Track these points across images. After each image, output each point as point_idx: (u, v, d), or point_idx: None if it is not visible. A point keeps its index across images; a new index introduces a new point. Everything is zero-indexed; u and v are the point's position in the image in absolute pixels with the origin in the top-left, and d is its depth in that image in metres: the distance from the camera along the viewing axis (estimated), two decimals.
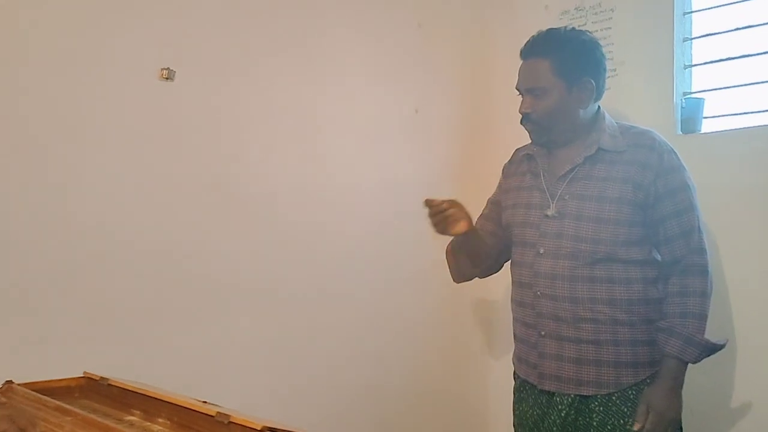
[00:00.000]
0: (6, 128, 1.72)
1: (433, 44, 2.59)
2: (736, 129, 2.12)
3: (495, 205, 2.01)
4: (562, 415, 1.72)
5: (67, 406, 1.32)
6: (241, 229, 2.10)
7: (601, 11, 2.41)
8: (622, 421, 1.68)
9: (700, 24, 2.23)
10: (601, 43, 1.89)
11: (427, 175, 2.56)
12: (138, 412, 1.41)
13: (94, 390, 1.56)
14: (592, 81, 1.75)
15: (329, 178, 2.30)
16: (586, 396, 1.71)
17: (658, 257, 1.74)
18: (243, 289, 2.09)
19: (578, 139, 1.77)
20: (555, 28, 1.83)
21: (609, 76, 1.85)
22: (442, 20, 2.63)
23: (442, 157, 2.62)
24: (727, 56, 2.14)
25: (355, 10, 2.38)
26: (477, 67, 2.73)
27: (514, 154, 2.00)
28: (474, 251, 1.92)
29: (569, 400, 1.72)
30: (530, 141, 1.86)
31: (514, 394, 1.91)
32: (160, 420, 1.36)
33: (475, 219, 1.87)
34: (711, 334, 1.68)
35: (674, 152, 1.73)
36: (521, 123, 1.81)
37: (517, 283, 1.84)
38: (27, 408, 1.27)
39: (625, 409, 1.69)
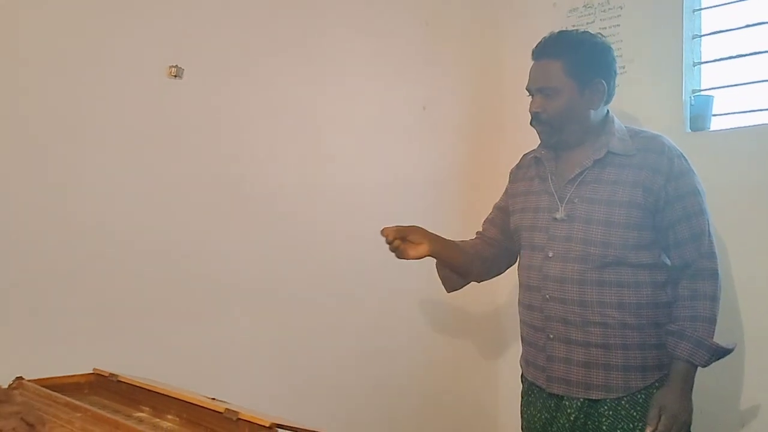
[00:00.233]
0: (10, 127, 1.73)
1: (440, 42, 2.59)
2: (745, 126, 2.11)
3: (500, 210, 2.01)
4: (571, 419, 1.72)
5: (77, 402, 1.33)
6: (245, 228, 2.11)
7: (609, 8, 2.40)
8: (631, 426, 1.67)
9: (709, 21, 2.22)
10: (610, 40, 1.89)
11: (433, 174, 2.56)
12: (147, 408, 1.42)
13: (104, 386, 1.57)
14: (604, 83, 1.75)
15: (334, 176, 2.30)
16: (595, 400, 1.70)
17: (667, 261, 1.73)
18: (247, 289, 2.10)
19: (587, 141, 1.77)
20: (567, 30, 1.84)
21: (618, 74, 1.85)
22: (449, 18, 2.63)
23: (449, 156, 2.62)
24: (737, 53, 2.13)
25: (362, 9, 2.38)
26: (484, 64, 2.72)
27: (522, 158, 1.99)
28: (453, 266, 1.97)
29: (578, 404, 1.72)
30: (539, 142, 1.86)
31: (522, 397, 1.91)
32: (169, 416, 1.37)
33: (448, 235, 1.94)
34: (719, 335, 1.67)
35: (684, 157, 1.73)
36: (531, 123, 1.80)
37: (525, 286, 1.84)
38: (37, 404, 1.28)
39: (635, 414, 1.68)
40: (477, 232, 2.06)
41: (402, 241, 1.85)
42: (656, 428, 1.63)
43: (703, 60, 2.22)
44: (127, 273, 1.88)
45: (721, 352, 1.66)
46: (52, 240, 1.77)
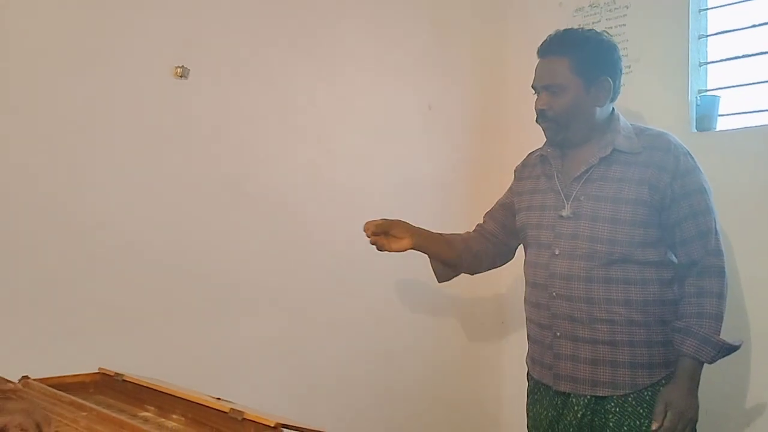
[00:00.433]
0: (18, 126, 1.73)
1: (446, 42, 2.58)
2: (751, 127, 2.10)
3: (502, 206, 2.02)
4: (578, 416, 1.72)
5: (83, 402, 1.33)
6: (251, 227, 2.11)
7: (615, 8, 2.40)
8: (638, 422, 1.67)
9: (715, 21, 2.21)
10: (616, 40, 1.88)
11: (440, 173, 2.56)
12: (152, 407, 1.42)
13: (109, 386, 1.57)
14: (610, 80, 1.75)
15: (341, 175, 2.30)
16: (601, 397, 1.71)
17: (674, 259, 1.73)
18: (253, 289, 2.10)
19: (593, 139, 1.77)
20: (573, 28, 1.84)
21: (624, 74, 1.85)
22: (455, 17, 2.62)
23: (456, 154, 2.62)
24: (743, 53, 2.12)
25: (369, 9, 2.38)
26: (490, 64, 2.72)
27: (527, 156, 1.99)
28: (440, 259, 2.01)
29: (585, 401, 1.72)
30: (545, 140, 1.86)
31: (528, 395, 1.91)
32: (174, 416, 1.37)
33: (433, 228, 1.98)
34: (725, 333, 1.67)
35: (690, 155, 1.72)
36: (537, 121, 1.80)
37: (531, 284, 1.84)
38: (42, 403, 1.28)
39: (641, 410, 1.68)
40: (477, 225, 2.08)
41: (384, 235, 1.88)
42: (662, 424, 1.63)
43: (709, 60, 2.21)
44: (132, 273, 1.88)
45: (727, 349, 1.66)
46: (58, 239, 1.78)
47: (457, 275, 2.07)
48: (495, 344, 2.72)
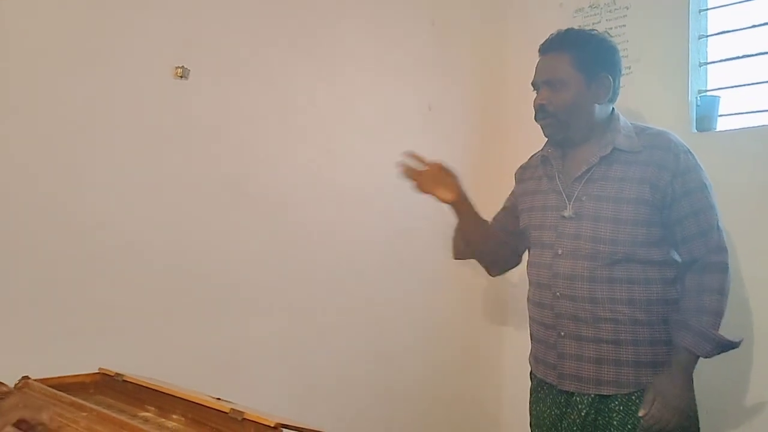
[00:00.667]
0: (17, 127, 1.73)
1: (446, 41, 2.59)
2: (751, 127, 2.11)
3: (504, 210, 2.02)
4: (582, 414, 1.72)
5: (83, 402, 1.33)
6: (253, 227, 2.11)
7: (615, 9, 2.40)
8: (641, 421, 1.67)
9: (715, 21, 2.21)
10: (616, 40, 1.89)
11: None
12: (153, 408, 1.41)
13: (109, 386, 1.56)
14: (610, 78, 1.76)
15: (342, 175, 2.30)
16: (605, 395, 1.71)
17: (677, 258, 1.73)
18: (254, 288, 2.10)
19: (593, 138, 1.77)
20: (575, 28, 1.85)
21: (624, 74, 1.85)
22: (455, 17, 2.63)
23: (456, 155, 2.61)
24: (743, 53, 2.12)
25: (368, 9, 2.39)
26: (490, 64, 2.72)
27: (529, 159, 1.99)
28: (467, 234, 1.92)
29: (589, 399, 1.72)
30: (545, 141, 1.86)
31: (531, 394, 1.91)
32: (174, 416, 1.36)
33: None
34: (726, 331, 1.67)
35: (690, 152, 1.73)
36: (536, 118, 1.80)
37: (535, 284, 1.84)
38: (42, 403, 1.27)
39: None
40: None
41: (432, 178, 1.82)
42: (648, 411, 1.63)
43: (709, 60, 2.21)
44: (132, 273, 1.88)
45: (725, 345, 1.66)
46: (58, 239, 1.77)
47: (473, 257, 2.02)
48: (495, 344, 2.72)
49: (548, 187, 1.84)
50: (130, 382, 1.53)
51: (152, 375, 1.56)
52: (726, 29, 2.17)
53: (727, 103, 2.17)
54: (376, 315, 2.38)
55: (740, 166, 2.05)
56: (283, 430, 1.16)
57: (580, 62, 1.73)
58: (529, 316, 1.88)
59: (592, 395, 1.72)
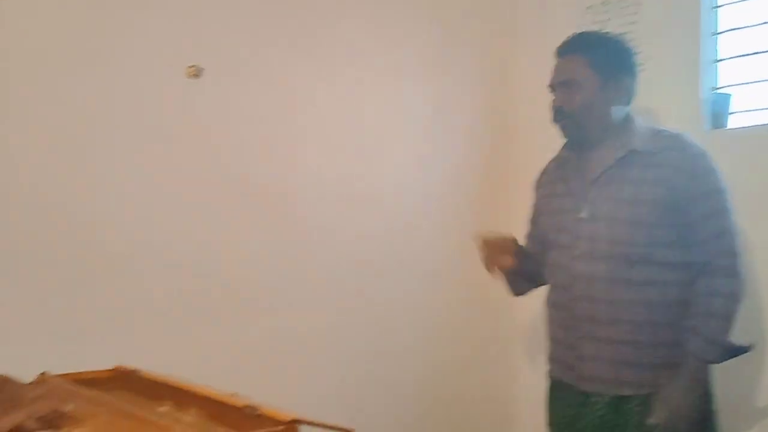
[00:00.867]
0: (30, 127, 1.75)
1: (453, 39, 2.59)
2: (764, 124, 2.10)
3: (531, 223, 2.02)
4: (600, 414, 1.73)
5: (101, 397, 1.35)
6: (261, 226, 2.14)
7: (626, 6, 2.39)
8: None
9: (727, 18, 2.21)
10: (627, 37, 1.89)
11: (446, 174, 2.57)
12: (169, 403, 1.43)
13: (126, 382, 1.59)
14: (627, 80, 1.77)
15: (351, 175, 2.32)
16: (624, 396, 1.71)
17: (693, 260, 1.73)
18: (268, 287, 2.13)
19: (609, 140, 1.76)
20: (591, 30, 1.86)
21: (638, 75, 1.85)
22: (463, 17, 2.63)
23: (463, 155, 2.63)
24: (755, 50, 2.12)
25: (377, 9, 2.40)
26: (499, 64, 2.72)
27: (546, 164, 1.99)
28: (528, 273, 1.95)
29: (607, 399, 1.72)
30: (557, 140, 1.86)
31: (547, 393, 1.91)
32: (190, 411, 1.38)
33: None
34: (743, 334, 1.66)
35: (706, 155, 1.72)
36: (553, 120, 1.81)
37: (553, 286, 1.85)
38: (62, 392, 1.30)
39: None
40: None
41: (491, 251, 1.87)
42: (655, 418, 1.64)
43: (721, 57, 2.21)
44: (147, 272, 1.90)
45: (735, 350, 1.66)
46: (74, 240, 1.80)
47: (535, 287, 2.03)
48: (502, 341, 2.73)
49: (565, 189, 1.84)
50: (147, 378, 1.56)
51: (167, 372, 1.58)
52: (738, 26, 2.16)
53: (739, 100, 2.16)
54: (379, 313, 2.39)
55: (753, 164, 2.04)
56: (299, 425, 1.18)
57: (596, 64, 1.74)
58: (547, 318, 1.89)
59: (611, 396, 1.72)
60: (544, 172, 1.99)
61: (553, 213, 1.87)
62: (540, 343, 2.03)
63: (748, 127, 2.13)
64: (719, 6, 2.21)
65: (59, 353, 1.68)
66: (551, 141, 1.88)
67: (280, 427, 1.16)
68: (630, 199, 1.71)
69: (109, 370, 1.64)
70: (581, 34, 1.82)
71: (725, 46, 2.21)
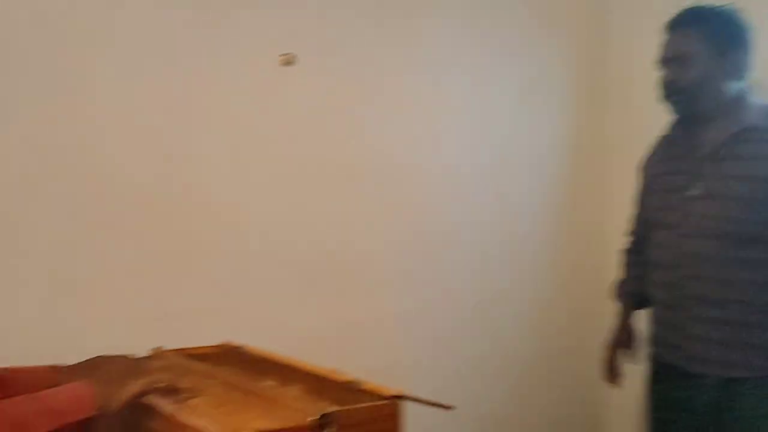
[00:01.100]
0: (128, 120, 1.84)
1: (543, 17, 2.54)
2: None
3: (639, 205, 1.97)
4: (709, 397, 1.68)
5: (211, 370, 1.42)
6: (358, 208, 2.17)
7: None
8: None
9: None
10: (739, 10, 1.80)
11: (538, 151, 2.54)
12: (273, 378, 1.48)
13: (232, 357, 1.65)
14: (741, 54, 1.69)
15: (443, 155, 2.33)
16: (735, 378, 1.66)
17: None
18: (368, 266, 2.17)
19: (722, 116, 1.70)
20: (703, 4, 1.79)
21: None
22: None
23: (555, 132, 2.58)
24: None
25: None
26: (589, 39, 2.65)
27: (655, 143, 1.93)
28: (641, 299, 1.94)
29: (717, 381, 1.67)
30: (650, 114, 1.80)
31: (649, 376, 1.87)
32: (294, 386, 1.42)
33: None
34: None
35: None
36: (664, 97, 1.75)
37: (658, 265, 1.80)
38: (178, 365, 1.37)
39: None
40: (630, 236, 2.00)
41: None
42: None
43: None
44: (255, 253, 1.97)
45: None
46: (182, 222, 1.88)
47: None
48: (603, 321, 2.68)
49: (674, 167, 1.79)
50: (252, 354, 1.62)
51: (271, 349, 1.63)
52: None
53: None
54: (477, 292, 2.41)
55: None
56: (403, 401, 1.19)
57: (710, 38, 1.68)
58: (653, 298, 1.84)
59: (720, 377, 1.67)
60: (652, 151, 1.93)
61: (660, 192, 1.82)
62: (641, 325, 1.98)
63: None
64: None
65: (170, 329, 1.77)
66: (647, 117, 1.82)
67: (384, 402, 1.18)
68: (743, 176, 1.64)
69: (216, 346, 1.71)
70: (694, 7, 1.75)
71: None
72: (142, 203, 1.82)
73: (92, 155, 1.74)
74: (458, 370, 2.34)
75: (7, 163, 1.64)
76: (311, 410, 1.11)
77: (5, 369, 1.34)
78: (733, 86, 1.71)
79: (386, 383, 1.27)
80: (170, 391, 1.21)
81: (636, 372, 1.97)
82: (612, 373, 1.98)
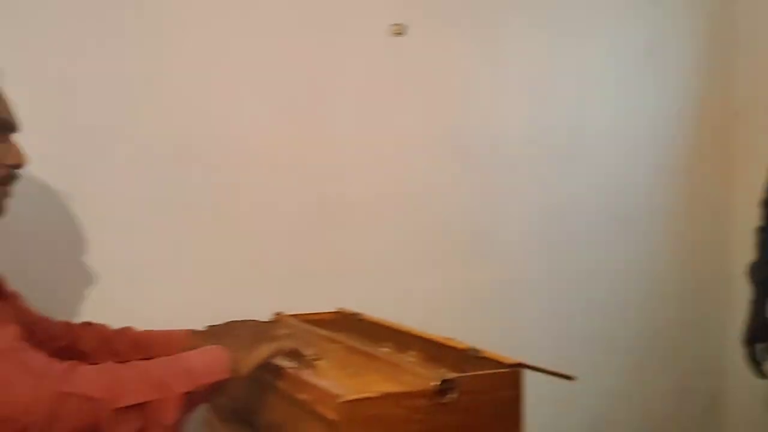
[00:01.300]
0: (264, 93, 1.89)
1: None
2: None
3: None
4: None
5: (332, 335, 1.46)
6: (471, 177, 2.16)
7: None
8: None
9: None
10: None
11: (657, 122, 2.43)
12: (389, 344, 1.52)
13: (348, 324, 1.70)
14: None
15: (558, 122, 2.28)
16: None
17: None
18: (474, 235, 2.16)
19: None
20: None
21: None
22: None
23: (676, 102, 2.46)
24: None
25: None
26: (714, 2, 2.50)
27: None
28: None
29: None
30: None
31: None
32: (411, 352, 1.45)
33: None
34: None
35: None
36: None
37: None
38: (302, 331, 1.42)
39: None
40: (765, 211, 1.92)
41: None
42: None
43: None
44: (368, 220, 2.00)
45: None
46: (303, 191, 1.92)
47: None
48: (718, 301, 2.58)
49: None
50: (367, 321, 1.66)
51: (388, 316, 1.67)
52: None
53: None
54: (593, 263, 2.36)
55: None
56: (523, 369, 1.19)
57: None
58: None
59: None
60: None
61: None
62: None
63: None
64: None
65: (287, 296, 1.84)
66: None
67: (506, 370, 1.19)
68: None
69: (332, 313, 1.77)
70: None
71: None
72: (268, 173, 1.88)
73: (225, 126, 1.81)
74: (579, 342, 2.32)
75: (160, 135, 1.73)
76: (432, 376, 1.13)
77: (144, 332, 1.44)
78: None
79: (503, 352, 1.27)
80: (296, 354, 1.27)
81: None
82: (757, 369, 1.88)
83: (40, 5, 1.60)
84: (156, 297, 1.71)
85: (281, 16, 1.89)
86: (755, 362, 1.91)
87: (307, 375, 1.21)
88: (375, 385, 1.19)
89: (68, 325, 1.42)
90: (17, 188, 1.20)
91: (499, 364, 1.22)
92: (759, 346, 1.89)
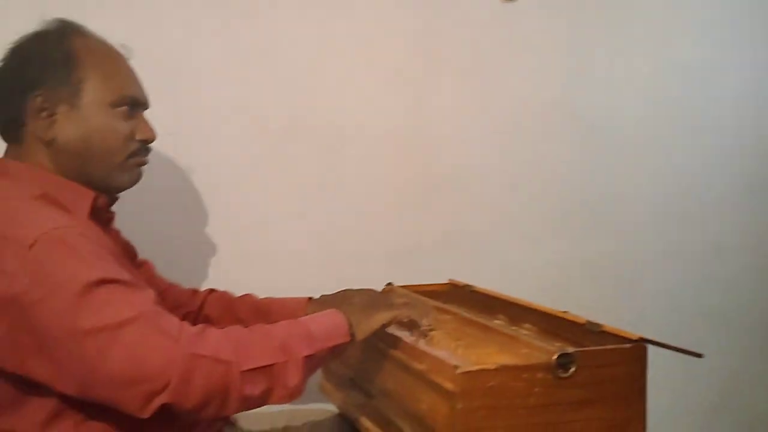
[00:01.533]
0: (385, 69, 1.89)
1: None
2: None
3: None
4: None
5: (446, 306, 1.46)
6: (586, 147, 2.10)
7: None
8: None
9: None
10: None
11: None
12: (503, 316, 1.49)
13: (459, 295, 1.68)
14: None
15: (683, 92, 2.18)
16: None
17: None
18: (585, 208, 2.11)
19: None
20: None
21: None
22: None
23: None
24: None
25: None
26: None
27: None
28: None
29: None
30: None
31: None
32: (526, 325, 1.42)
33: None
34: None
35: None
36: None
37: None
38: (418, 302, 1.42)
39: None
40: None
41: None
42: None
43: None
44: (479, 192, 1.99)
45: None
46: (409, 166, 1.93)
47: None
48: None
49: None
50: (479, 292, 1.64)
51: (499, 289, 1.64)
52: None
53: None
54: (708, 239, 2.25)
55: None
56: (647, 344, 1.15)
57: None
58: None
59: None
60: None
61: None
62: None
63: None
64: None
65: (397, 268, 1.85)
66: None
67: (628, 345, 1.14)
68: None
69: (443, 284, 1.76)
70: None
71: None
72: (377, 145, 1.89)
73: (335, 99, 1.84)
74: (702, 320, 2.23)
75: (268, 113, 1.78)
76: (551, 349, 1.10)
77: (264, 299, 1.49)
78: None
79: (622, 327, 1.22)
80: (413, 323, 1.27)
81: None
82: None
83: None
84: (270, 267, 1.77)
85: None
86: None
87: (423, 345, 1.21)
88: (492, 357, 1.18)
89: (194, 292, 1.49)
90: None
91: (621, 338, 1.18)
92: None
